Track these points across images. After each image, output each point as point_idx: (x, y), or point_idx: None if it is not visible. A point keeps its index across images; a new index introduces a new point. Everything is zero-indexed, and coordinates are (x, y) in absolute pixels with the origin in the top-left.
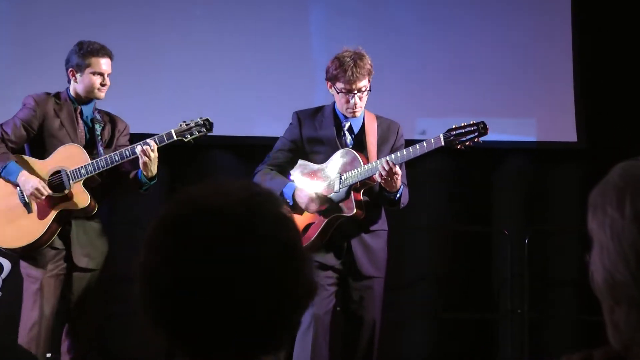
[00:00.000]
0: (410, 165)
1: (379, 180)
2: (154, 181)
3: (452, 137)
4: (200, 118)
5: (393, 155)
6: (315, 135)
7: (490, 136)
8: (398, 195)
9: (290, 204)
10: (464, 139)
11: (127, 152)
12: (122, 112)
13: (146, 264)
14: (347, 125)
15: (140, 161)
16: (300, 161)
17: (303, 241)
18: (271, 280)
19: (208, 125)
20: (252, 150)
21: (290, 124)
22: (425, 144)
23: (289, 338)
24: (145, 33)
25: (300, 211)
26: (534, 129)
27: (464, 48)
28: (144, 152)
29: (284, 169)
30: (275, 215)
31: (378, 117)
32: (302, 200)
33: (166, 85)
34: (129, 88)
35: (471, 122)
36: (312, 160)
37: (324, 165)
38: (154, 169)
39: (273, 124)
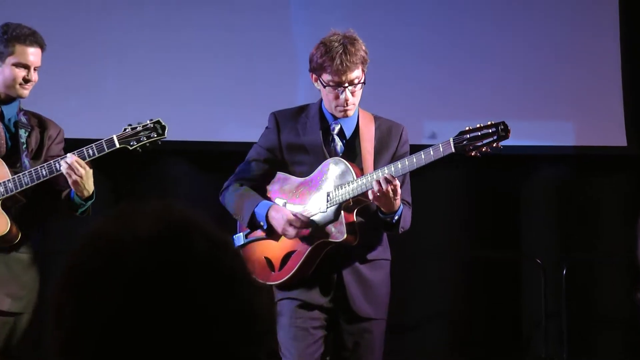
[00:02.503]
0: (417, 176)
1: (371, 197)
2: (92, 201)
3: (464, 142)
4: (150, 120)
5: (393, 167)
6: (298, 141)
7: (519, 141)
8: (396, 218)
9: (264, 227)
10: (479, 143)
11: (57, 165)
12: (58, 114)
13: (57, 334)
14: (337, 128)
15: (69, 180)
16: (278, 174)
17: (281, 274)
18: (205, 324)
19: (160, 129)
20: (218, 159)
21: (267, 127)
22: (431, 151)
23: None
24: (87, 19)
25: (277, 236)
26: (571, 131)
27: (483, 39)
28: (70, 168)
29: (259, 184)
30: (200, 248)
31: (377, 118)
32: (277, 223)
33: (112, 80)
34: (66, 85)
35: (489, 123)
36: (293, 172)
37: (308, 178)
38: (89, 186)
39: (244, 127)
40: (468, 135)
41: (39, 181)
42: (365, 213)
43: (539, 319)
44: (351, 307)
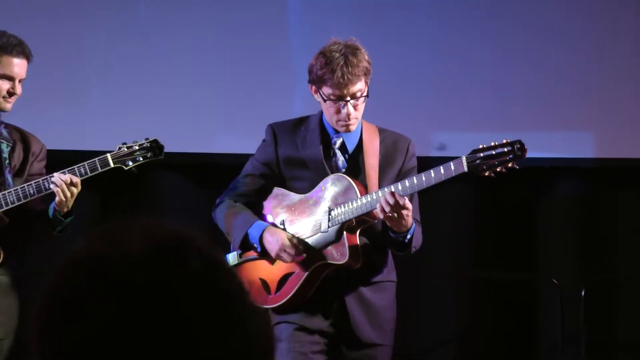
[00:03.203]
0: (424, 191)
1: (381, 216)
2: (71, 218)
3: (478, 161)
4: (146, 139)
5: (400, 185)
6: (297, 155)
7: (534, 153)
8: (408, 237)
9: (259, 249)
10: (493, 163)
11: (47, 184)
12: (39, 124)
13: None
14: (339, 142)
15: (58, 197)
16: (276, 189)
17: (278, 297)
18: (200, 346)
19: (157, 148)
20: (211, 172)
21: (264, 140)
22: (442, 170)
23: None
24: (71, 22)
25: (272, 258)
26: (591, 142)
27: (496, 43)
28: (65, 186)
29: (255, 200)
30: (194, 267)
31: (381, 131)
32: (272, 247)
33: (98, 88)
34: (48, 93)
35: (504, 141)
36: (292, 188)
37: (308, 195)
38: (70, 204)
39: (238, 138)
40: (481, 154)
41: (25, 200)
42: (370, 232)
43: (555, 343)
44: (354, 332)
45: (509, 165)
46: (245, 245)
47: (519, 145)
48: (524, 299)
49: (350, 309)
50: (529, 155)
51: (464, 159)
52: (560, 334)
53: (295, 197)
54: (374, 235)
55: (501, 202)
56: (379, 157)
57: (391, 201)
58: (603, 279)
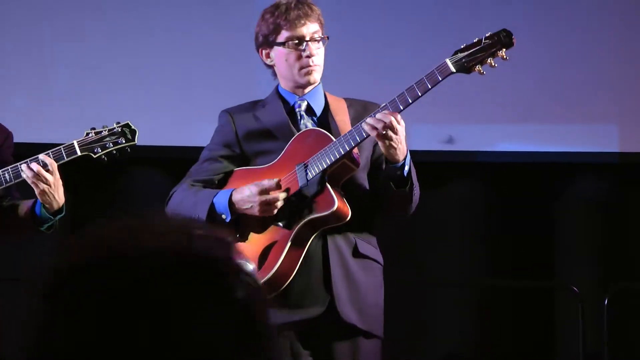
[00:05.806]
0: (427, 189)
1: (372, 134)
2: (61, 215)
3: (464, 59)
4: (117, 123)
5: (381, 109)
6: (259, 126)
7: (551, 147)
8: (407, 168)
9: (228, 218)
10: (483, 56)
11: (8, 176)
12: (3, 117)
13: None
14: (304, 105)
15: (37, 190)
16: (236, 171)
17: (262, 273)
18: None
19: (129, 133)
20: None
21: (220, 125)
22: (426, 80)
23: None
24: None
25: (246, 232)
26: (614, 136)
27: (507, 23)
28: (36, 176)
29: (217, 186)
30: (228, 272)
31: (347, 99)
32: (247, 203)
33: (65, 75)
34: (10, 81)
35: (487, 35)
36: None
37: (275, 163)
38: (59, 197)
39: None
40: (467, 52)
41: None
42: (354, 191)
43: (576, 358)
44: (336, 307)
45: (499, 55)
46: (212, 219)
47: (504, 33)
48: (540, 309)
49: (335, 280)
50: (545, 149)
51: (448, 60)
52: (580, 347)
53: (260, 169)
54: (357, 195)
55: (514, 201)
56: (350, 117)
57: (386, 120)
58: (628, 287)
